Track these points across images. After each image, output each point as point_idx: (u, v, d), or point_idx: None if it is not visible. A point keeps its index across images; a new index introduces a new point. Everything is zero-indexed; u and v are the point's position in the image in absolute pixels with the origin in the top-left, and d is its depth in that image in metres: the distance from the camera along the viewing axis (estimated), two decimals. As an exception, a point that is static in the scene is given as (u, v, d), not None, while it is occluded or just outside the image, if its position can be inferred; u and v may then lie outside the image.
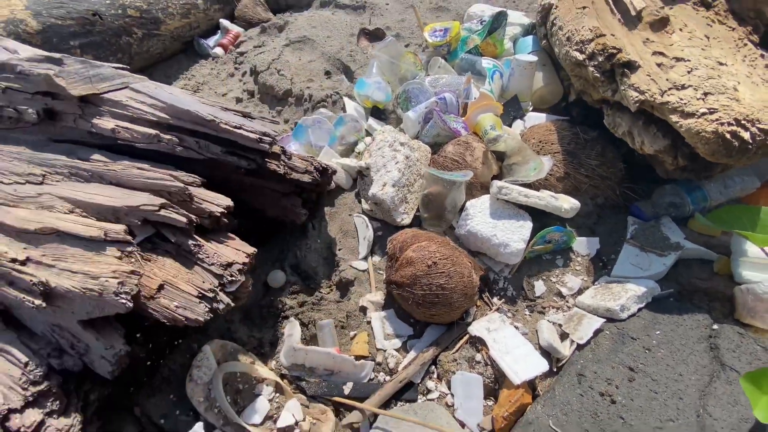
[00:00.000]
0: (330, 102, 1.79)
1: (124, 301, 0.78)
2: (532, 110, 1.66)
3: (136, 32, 2.13)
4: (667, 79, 1.06)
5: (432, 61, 1.76)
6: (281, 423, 1.03)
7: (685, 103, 0.99)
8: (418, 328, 1.20)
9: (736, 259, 1.15)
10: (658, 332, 1.03)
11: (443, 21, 2.06)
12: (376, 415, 1.03)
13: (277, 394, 1.10)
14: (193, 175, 1.01)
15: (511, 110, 1.62)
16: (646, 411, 0.88)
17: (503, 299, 1.24)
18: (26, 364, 0.85)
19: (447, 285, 1.08)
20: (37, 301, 0.79)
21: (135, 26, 2.11)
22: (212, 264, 0.92)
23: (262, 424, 1.05)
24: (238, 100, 1.99)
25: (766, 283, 1.06)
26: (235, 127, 1.00)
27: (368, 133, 1.64)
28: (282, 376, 1.13)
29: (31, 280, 0.79)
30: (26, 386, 0.83)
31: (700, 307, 1.13)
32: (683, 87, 1.02)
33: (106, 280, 0.78)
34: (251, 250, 0.99)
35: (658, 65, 1.12)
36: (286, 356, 1.11)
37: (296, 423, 1.03)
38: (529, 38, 1.81)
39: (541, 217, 1.30)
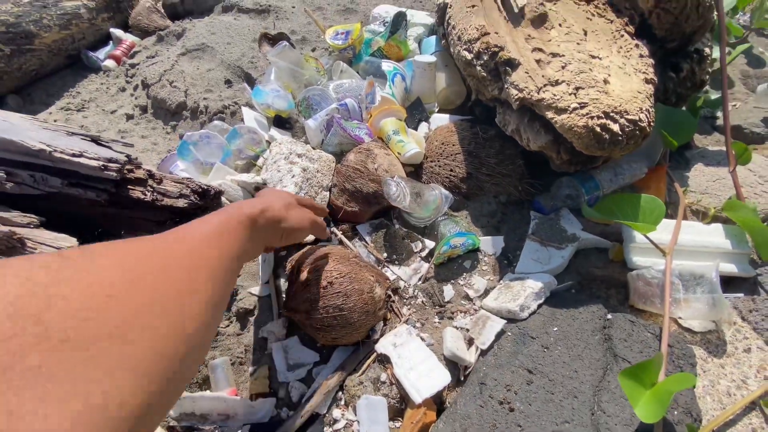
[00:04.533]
0: (228, 113, 1.67)
1: None
2: (438, 111, 1.65)
3: (3, 50, 1.88)
4: (543, 76, 1.06)
5: (334, 66, 1.70)
6: (167, 484, 0.91)
7: (558, 99, 0.99)
8: (324, 352, 1.13)
9: (627, 246, 1.19)
10: (556, 329, 1.03)
11: (349, 24, 2.00)
12: (277, 458, 0.94)
13: (165, 452, 0.98)
14: (29, 215, 0.86)
15: (416, 113, 1.59)
16: (543, 415, 0.87)
17: (413, 308, 1.20)
18: None
19: (344, 305, 1.02)
20: None
21: (0, 43, 1.86)
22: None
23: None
24: (129, 117, 1.81)
25: (656, 268, 1.10)
26: (74, 155, 0.87)
27: (269, 144, 1.55)
28: (171, 429, 1.01)
29: None
30: None
31: (597, 297, 1.15)
32: (557, 83, 1.03)
33: None
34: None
35: (537, 62, 1.13)
36: (176, 408, 0.99)
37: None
38: (433, 38, 1.80)
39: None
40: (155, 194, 1.03)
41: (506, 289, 1.17)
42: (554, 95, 1.01)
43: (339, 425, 1.01)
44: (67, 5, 2.09)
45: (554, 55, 1.16)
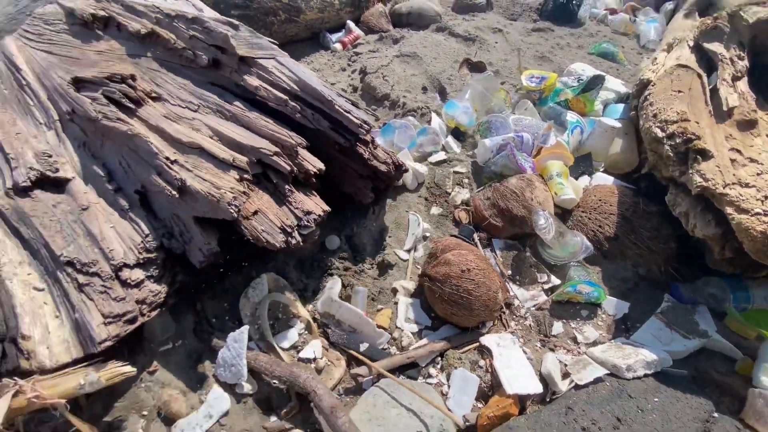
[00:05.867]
0: (419, 113, 2.01)
1: (232, 211, 1.02)
2: (603, 171, 1.75)
3: (281, 15, 2.52)
4: (734, 174, 1.13)
5: (520, 102, 1.91)
6: (303, 354, 1.23)
7: (743, 200, 1.06)
8: (435, 323, 1.35)
9: (760, 364, 1.16)
10: (657, 399, 1.08)
11: (543, 70, 2.19)
12: (379, 377, 1.18)
13: (306, 332, 1.30)
14: (301, 138, 1.25)
15: (582, 166, 1.72)
16: (619, 457, 0.95)
17: (519, 326, 1.35)
18: (146, 236, 1.13)
19: (473, 292, 1.22)
20: (174, 192, 1.06)
21: (281, 10, 2.50)
22: (296, 208, 1.15)
23: (287, 350, 1.25)
24: (343, 91, 2.27)
25: (784, 394, 1.07)
26: (345, 110, 1.24)
27: (443, 148, 1.83)
28: (314, 319, 1.33)
29: (174, 176, 1.06)
30: (141, 251, 1.11)
31: (708, 397, 1.16)
32: (747, 185, 1.09)
33: (225, 192, 1.03)
34: (326, 208, 1.21)
35: (732, 161, 1.19)
36: (323, 304, 1.31)
37: (314, 359, 1.22)
38: (620, 106, 1.90)
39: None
40: (370, 155, 1.36)
41: (617, 349, 1.25)
42: (740, 195, 1.07)
43: (431, 380, 1.21)
44: (327, -5, 2.70)
45: (752, 160, 1.20)
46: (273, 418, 1.13)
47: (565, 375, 1.21)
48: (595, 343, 1.30)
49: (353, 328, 1.28)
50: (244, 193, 1.05)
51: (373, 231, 1.57)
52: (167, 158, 1.10)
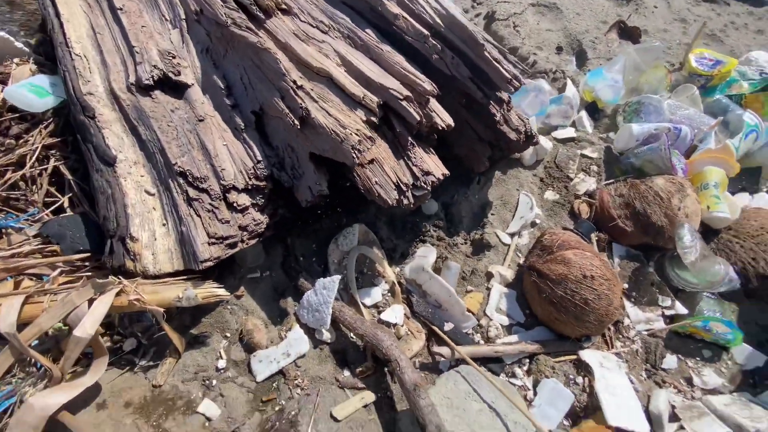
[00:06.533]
0: (549, 77, 1.73)
1: (354, 155, 0.91)
2: (767, 192, 1.42)
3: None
4: None
5: (683, 87, 1.57)
6: (384, 316, 1.16)
7: None
8: (528, 321, 1.22)
9: None
10: (791, 482, 0.90)
11: (714, 51, 1.78)
12: (458, 362, 1.10)
13: (389, 294, 1.23)
14: (435, 86, 1.08)
15: (744, 180, 1.40)
16: None
17: (625, 348, 1.18)
18: (258, 162, 1.06)
19: (592, 303, 1.06)
20: (296, 121, 0.96)
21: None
22: (415, 165, 1.02)
23: (369, 307, 1.20)
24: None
25: None
26: (495, 59, 1.04)
27: (574, 124, 1.57)
28: (399, 283, 1.25)
29: (300, 103, 0.96)
30: (251, 177, 1.06)
31: None
32: None
33: (351, 133, 0.92)
34: (446, 171, 1.07)
35: None
36: (412, 270, 1.22)
37: (395, 324, 1.16)
38: (813, 115, 1.50)
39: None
40: (502, 117, 1.17)
41: (743, 405, 1.06)
42: None
43: (515, 381, 1.11)
44: None
45: None
46: (346, 372, 1.10)
47: (673, 417, 1.05)
48: (714, 391, 1.12)
49: (440, 303, 1.19)
50: (370, 138, 0.93)
51: (474, 204, 1.42)
52: (294, 82, 0.99)
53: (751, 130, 1.40)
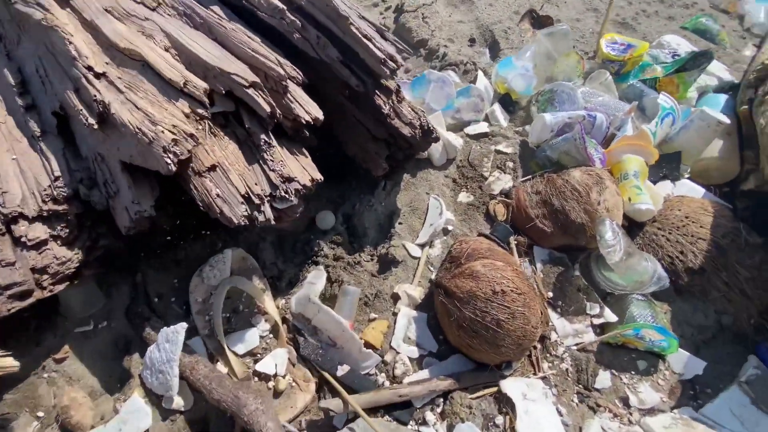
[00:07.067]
0: (461, 69, 1.58)
1: (169, 161, 0.67)
2: (688, 178, 1.34)
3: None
4: None
5: (596, 74, 1.47)
6: (261, 367, 0.91)
7: None
8: (442, 349, 1.02)
9: None
10: None
11: (626, 36, 1.72)
12: (356, 416, 0.87)
13: (271, 336, 0.99)
14: (297, 70, 0.87)
15: (665, 166, 1.31)
16: None
17: (554, 369, 1.01)
18: (57, 178, 0.79)
19: (506, 324, 0.88)
20: (92, 120, 0.70)
21: None
22: (273, 170, 0.79)
23: (242, 356, 0.95)
24: (371, 30, 1.83)
25: None
26: (365, 36, 0.84)
27: (486, 118, 1.43)
28: (284, 320, 1.01)
29: (95, 96, 0.70)
30: (47, 199, 0.78)
31: None
32: None
33: (162, 131, 0.67)
34: (317, 176, 0.85)
35: None
36: (298, 303, 0.99)
37: (275, 375, 0.91)
38: (723, 97, 1.45)
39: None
40: (392, 110, 0.98)
41: (684, 426, 0.91)
42: None
43: (426, 429, 0.90)
44: None
45: None
46: (208, 448, 0.84)
47: (609, 451, 0.88)
48: (652, 411, 0.97)
49: (333, 341, 0.96)
50: (192, 135, 0.70)
51: (380, 213, 1.22)
52: (90, 68, 0.73)
53: (666, 113, 1.31)
